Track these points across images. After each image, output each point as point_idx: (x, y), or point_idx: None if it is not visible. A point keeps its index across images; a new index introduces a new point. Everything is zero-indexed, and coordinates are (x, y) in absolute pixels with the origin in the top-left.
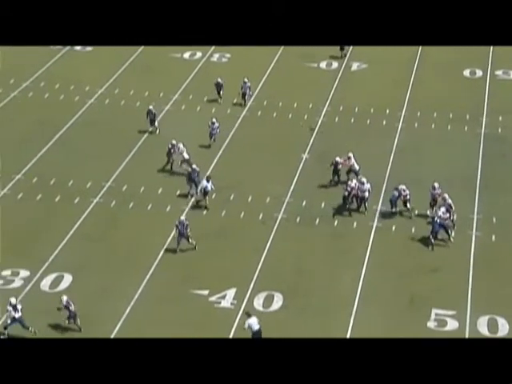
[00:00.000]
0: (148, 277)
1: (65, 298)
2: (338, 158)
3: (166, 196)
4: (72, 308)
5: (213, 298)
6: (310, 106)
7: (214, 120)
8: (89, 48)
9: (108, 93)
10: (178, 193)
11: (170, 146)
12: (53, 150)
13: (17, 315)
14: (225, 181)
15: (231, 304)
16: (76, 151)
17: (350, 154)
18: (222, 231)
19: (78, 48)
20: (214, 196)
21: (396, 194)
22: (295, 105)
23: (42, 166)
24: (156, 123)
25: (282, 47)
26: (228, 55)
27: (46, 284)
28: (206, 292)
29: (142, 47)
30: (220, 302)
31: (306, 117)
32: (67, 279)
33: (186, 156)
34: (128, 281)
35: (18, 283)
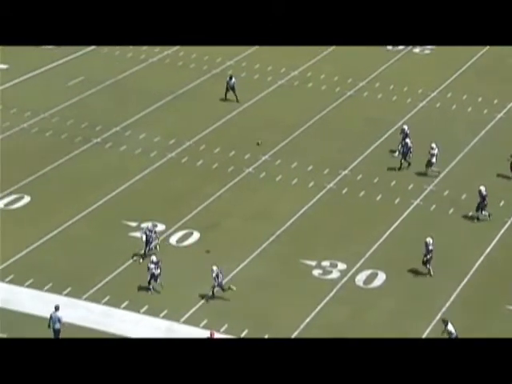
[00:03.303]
0: (462, 285)
1: (214, 268)
2: None
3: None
4: (219, 279)
5: None
6: None
7: None
8: (427, 51)
9: (440, 96)
10: (502, 203)
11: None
12: (378, 150)
13: (156, 272)
14: None
15: None
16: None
17: None
18: None
19: (416, 50)
20: None
21: None
22: None
23: (368, 164)
24: (401, 146)
25: None
26: None
27: (360, 279)
28: None
29: (485, 49)
30: None
31: None
32: (381, 277)
33: (433, 160)
34: (439, 286)
35: (335, 274)
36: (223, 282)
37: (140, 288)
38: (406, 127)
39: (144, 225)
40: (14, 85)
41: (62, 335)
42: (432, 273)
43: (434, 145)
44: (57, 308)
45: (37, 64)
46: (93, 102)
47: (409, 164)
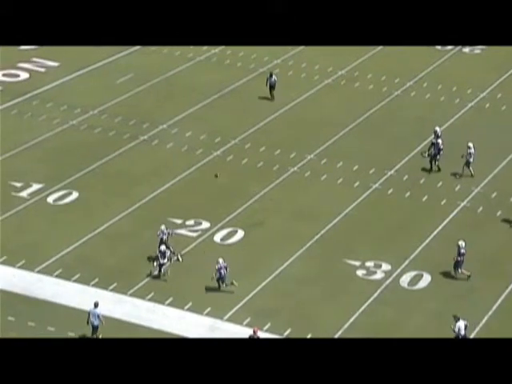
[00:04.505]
0: (509, 289)
1: (220, 260)
2: None
3: None
4: (223, 272)
5: None
6: None
7: None
8: (477, 50)
9: (490, 97)
10: None
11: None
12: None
13: (162, 261)
14: None
15: None
16: (450, 154)
17: None
18: None
19: (466, 50)
20: None
21: None
22: None
23: (414, 165)
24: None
25: None
26: None
27: (405, 280)
28: None
29: None
30: None
31: None
32: (426, 279)
33: (470, 160)
34: (485, 289)
35: (379, 275)
36: (226, 277)
37: (183, 285)
38: (438, 129)
39: (190, 222)
40: (64, 82)
41: (104, 330)
42: (469, 274)
43: (470, 144)
44: (96, 304)
45: (87, 61)
46: (141, 99)
47: (431, 166)
